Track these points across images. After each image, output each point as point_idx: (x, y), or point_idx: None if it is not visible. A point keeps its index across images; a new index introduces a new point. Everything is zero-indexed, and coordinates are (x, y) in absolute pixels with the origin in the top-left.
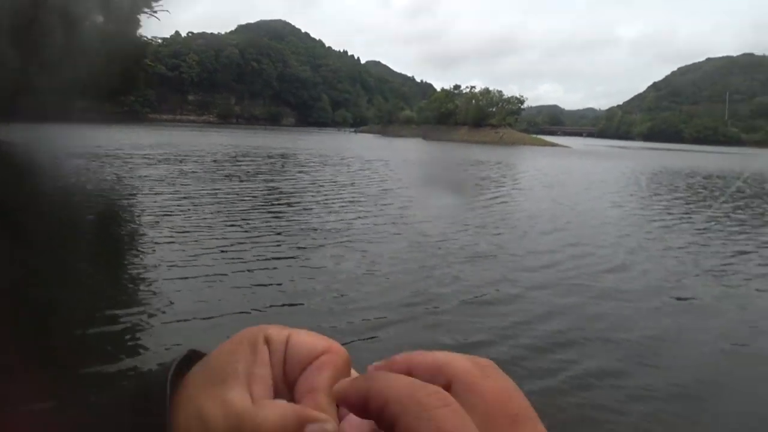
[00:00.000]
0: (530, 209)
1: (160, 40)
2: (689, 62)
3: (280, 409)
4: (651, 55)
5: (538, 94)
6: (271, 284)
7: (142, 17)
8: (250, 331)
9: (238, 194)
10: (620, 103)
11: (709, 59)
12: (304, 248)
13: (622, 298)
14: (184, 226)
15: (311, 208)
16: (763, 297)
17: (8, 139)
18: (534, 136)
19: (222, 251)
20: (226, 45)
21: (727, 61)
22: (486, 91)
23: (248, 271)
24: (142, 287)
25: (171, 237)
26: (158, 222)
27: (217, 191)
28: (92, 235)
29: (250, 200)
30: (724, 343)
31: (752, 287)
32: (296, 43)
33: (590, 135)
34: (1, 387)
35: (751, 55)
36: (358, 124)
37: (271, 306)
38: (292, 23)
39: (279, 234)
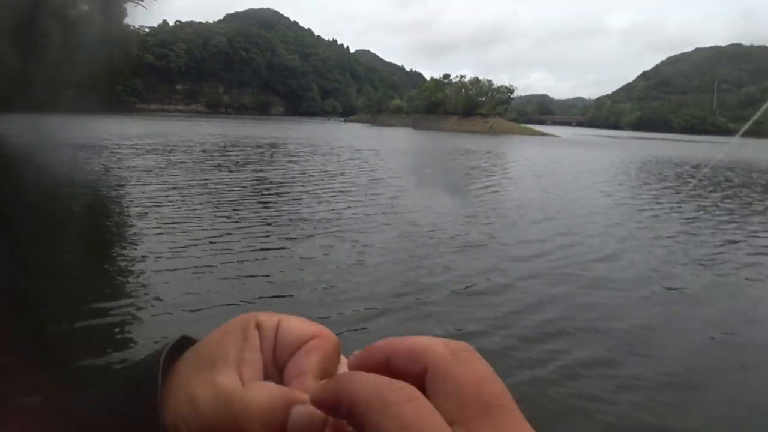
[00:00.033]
0: (520, 198)
1: (147, 29)
2: (678, 52)
3: (267, 390)
4: (641, 44)
5: (528, 83)
6: (261, 275)
7: (129, 6)
8: (242, 318)
9: (227, 184)
10: (610, 92)
11: (698, 49)
12: (294, 239)
13: (612, 287)
14: (173, 217)
15: (301, 198)
16: (753, 286)
17: None
18: (523, 125)
19: (211, 242)
20: (214, 34)
21: (716, 51)
22: (476, 81)
23: (237, 262)
24: (130, 279)
25: (159, 228)
26: (146, 213)
27: (206, 181)
28: (79, 226)
29: (239, 190)
30: (714, 332)
31: (741, 276)
32: (285, 32)
33: (579, 124)
34: None
35: (739, 45)
36: (348, 113)
37: (260, 297)
38: (281, 12)
39: (268, 224)
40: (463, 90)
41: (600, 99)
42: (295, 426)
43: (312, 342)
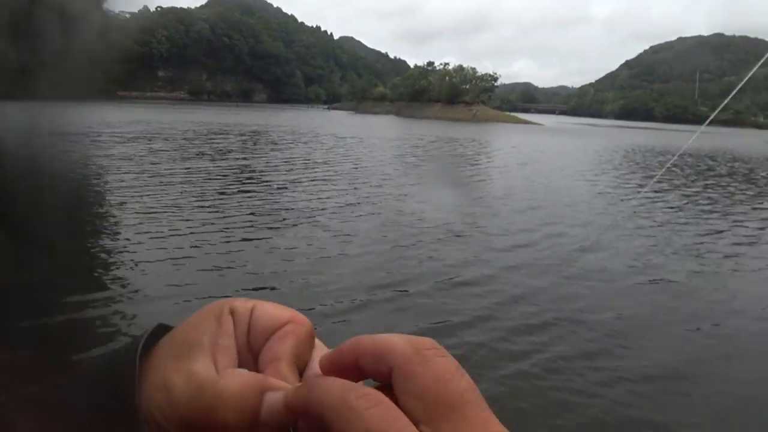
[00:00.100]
0: (505, 187)
1: (127, 15)
2: (662, 41)
3: (241, 377)
4: (625, 33)
5: (512, 71)
6: (242, 266)
7: None
8: (216, 304)
9: (209, 173)
10: (593, 80)
11: (681, 38)
12: (277, 228)
13: (596, 278)
14: (153, 207)
15: (284, 187)
16: (737, 276)
17: None
18: (507, 113)
19: (192, 232)
20: (196, 20)
21: (698, 40)
22: (460, 68)
23: (219, 252)
24: (109, 270)
25: (139, 218)
26: (126, 203)
27: (187, 170)
28: (57, 217)
29: (221, 179)
30: (698, 323)
31: (726, 267)
32: (268, 18)
33: (563, 113)
34: None
35: (721, 35)
36: (332, 100)
37: (242, 289)
38: None
39: (251, 214)
40: (447, 78)
41: (583, 87)
42: (267, 413)
43: (286, 327)
